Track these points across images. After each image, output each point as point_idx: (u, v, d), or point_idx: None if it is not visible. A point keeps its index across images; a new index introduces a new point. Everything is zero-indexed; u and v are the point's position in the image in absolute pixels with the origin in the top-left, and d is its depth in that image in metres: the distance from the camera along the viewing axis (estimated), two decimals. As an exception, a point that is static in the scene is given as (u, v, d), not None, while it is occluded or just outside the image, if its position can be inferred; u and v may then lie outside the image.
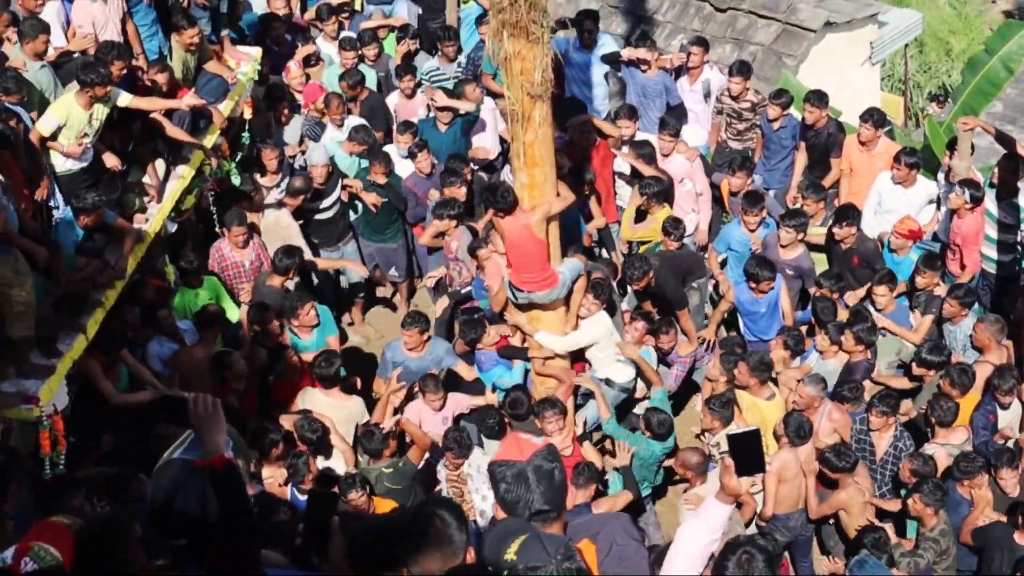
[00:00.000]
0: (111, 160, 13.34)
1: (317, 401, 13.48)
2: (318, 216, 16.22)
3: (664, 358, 14.63)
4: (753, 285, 14.68)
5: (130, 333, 13.46)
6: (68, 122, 12.68)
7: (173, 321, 14.02)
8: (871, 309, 14.30)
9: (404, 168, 16.47)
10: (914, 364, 13.64)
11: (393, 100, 17.66)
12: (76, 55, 13.50)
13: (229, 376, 13.47)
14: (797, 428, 12.61)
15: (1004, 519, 11.98)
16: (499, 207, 12.92)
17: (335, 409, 13.42)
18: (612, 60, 17.24)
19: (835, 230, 15.00)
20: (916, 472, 12.35)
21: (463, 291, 15.33)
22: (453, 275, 15.44)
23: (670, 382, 14.57)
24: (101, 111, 12.95)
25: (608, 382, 13.86)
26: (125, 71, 13.39)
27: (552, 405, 12.75)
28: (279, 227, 15.69)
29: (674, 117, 16.69)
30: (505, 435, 12.54)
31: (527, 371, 13.93)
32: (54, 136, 12.64)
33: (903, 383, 13.88)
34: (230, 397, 13.06)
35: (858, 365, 13.76)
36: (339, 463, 13.06)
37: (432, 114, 17.04)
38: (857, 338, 13.62)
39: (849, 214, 14.97)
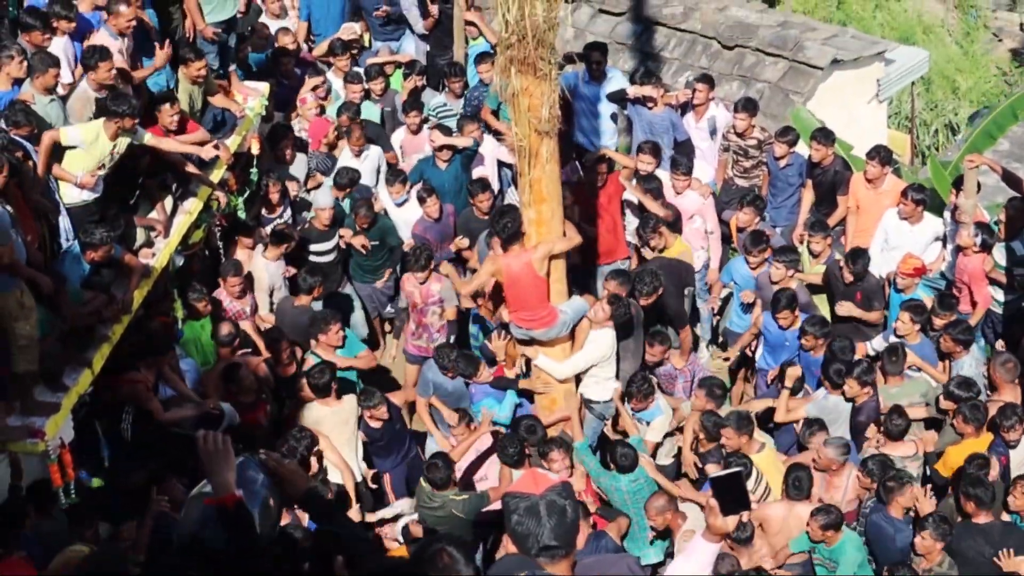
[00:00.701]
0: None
1: (315, 414, 13.70)
2: (318, 259, 16.14)
3: (653, 369, 14.67)
4: (778, 316, 14.70)
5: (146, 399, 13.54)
6: (92, 147, 12.72)
7: (176, 362, 14.01)
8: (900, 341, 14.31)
9: (397, 214, 16.59)
10: (941, 398, 13.52)
11: (399, 136, 17.68)
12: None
13: (236, 390, 13.66)
14: (795, 481, 12.44)
15: None
16: (501, 235, 12.96)
17: (330, 416, 13.68)
18: (618, 99, 17.27)
19: (841, 268, 14.93)
20: (871, 472, 12.46)
21: (437, 336, 15.51)
22: (430, 321, 15.57)
23: (679, 394, 14.59)
24: (122, 144, 13.00)
25: (587, 402, 13.91)
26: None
27: (558, 445, 12.74)
28: (253, 272, 15.66)
29: (682, 153, 16.76)
30: (523, 463, 12.78)
31: (517, 404, 13.88)
32: (64, 156, 12.69)
33: (920, 412, 13.76)
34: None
35: (864, 406, 13.64)
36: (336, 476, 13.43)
37: (432, 152, 17.06)
38: (861, 382, 13.52)
39: (855, 255, 14.89)
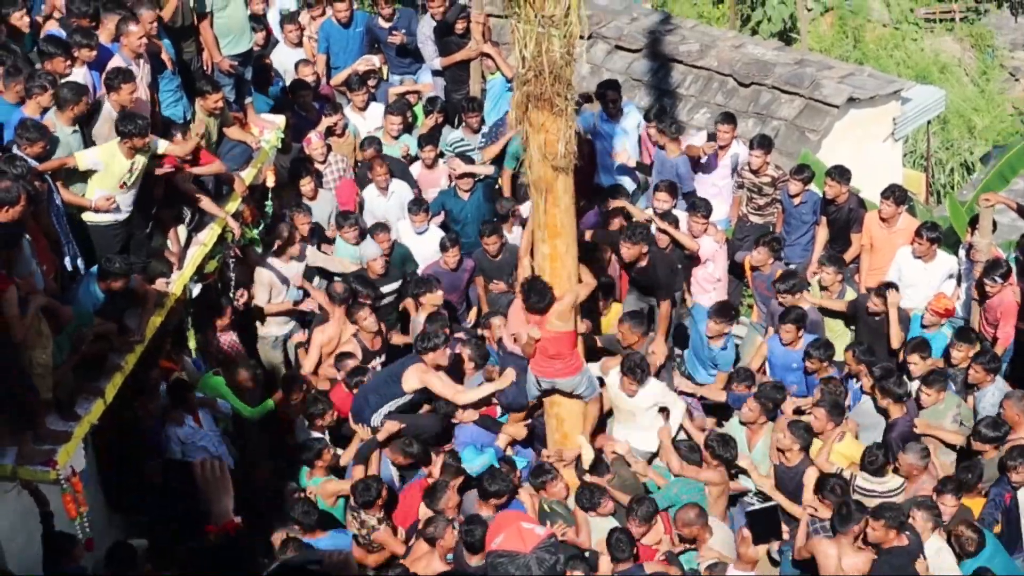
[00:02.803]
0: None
1: None
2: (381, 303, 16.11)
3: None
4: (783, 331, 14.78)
5: (149, 421, 13.65)
6: (109, 167, 12.80)
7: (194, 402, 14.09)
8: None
9: (417, 244, 16.59)
10: (971, 439, 13.41)
11: (416, 169, 17.71)
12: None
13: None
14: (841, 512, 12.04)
15: None
16: (534, 310, 12.96)
17: None
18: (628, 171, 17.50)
19: (870, 303, 14.94)
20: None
21: None
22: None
23: (699, 416, 14.62)
24: (141, 162, 13.07)
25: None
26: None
27: (547, 472, 13.01)
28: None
29: (685, 203, 16.81)
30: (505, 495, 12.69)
31: (500, 457, 13.78)
32: (85, 178, 12.81)
33: (956, 438, 13.68)
34: None
35: (897, 423, 13.62)
36: None
37: (454, 183, 17.09)
38: (883, 391, 13.54)
39: (885, 290, 14.88)
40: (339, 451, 14.01)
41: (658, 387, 13.85)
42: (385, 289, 16.04)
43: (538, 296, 12.83)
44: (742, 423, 14.01)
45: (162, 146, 13.51)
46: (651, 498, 12.75)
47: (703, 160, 17.20)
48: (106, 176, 12.85)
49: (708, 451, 13.27)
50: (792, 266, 16.35)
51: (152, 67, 14.16)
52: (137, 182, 13.17)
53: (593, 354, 14.27)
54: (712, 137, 17.29)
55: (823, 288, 15.57)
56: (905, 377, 14.01)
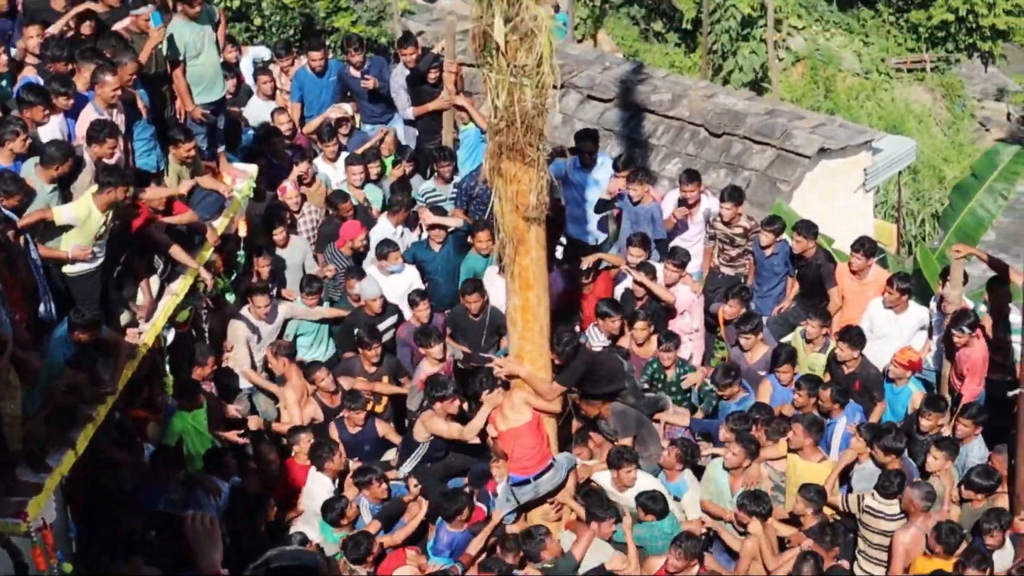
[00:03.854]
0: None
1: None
2: None
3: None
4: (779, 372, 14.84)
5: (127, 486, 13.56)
6: (86, 223, 12.77)
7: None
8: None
9: (388, 284, 16.46)
10: (962, 488, 13.42)
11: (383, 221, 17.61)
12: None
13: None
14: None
15: None
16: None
17: None
18: (603, 206, 17.38)
19: (838, 351, 14.94)
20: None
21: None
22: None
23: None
24: (112, 213, 13.04)
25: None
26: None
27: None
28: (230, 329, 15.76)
29: (660, 251, 16.86)
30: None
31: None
32: (61, 232, 12.76)
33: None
34: None
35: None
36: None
37: (425, 234, 17.06)
38: (885, 449, 13.46)
39: (854, 336, 14.87)
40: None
41: (648, 479, 13.88)
42: (382, 327, 16.00)
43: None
44: (725, 468, 13.99)
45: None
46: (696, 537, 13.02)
47: (677, 225, 17.26)
48: (82, 232, 12.82)
49: (741, 509, 13.29)
50: (764, 318, 16.37)
51: (127, 116, 14.13)
52: (108, 233, 13.16)
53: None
54: (683, 202, 17.26)
55: (808, 341, 15.58)
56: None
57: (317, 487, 14.12)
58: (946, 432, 14.10)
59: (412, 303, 15.91)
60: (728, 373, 14.90)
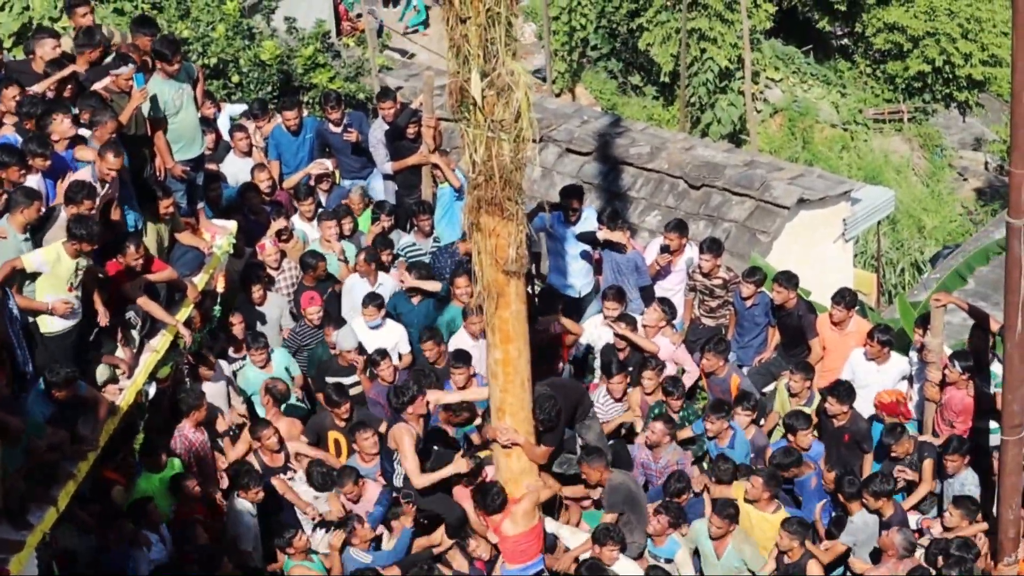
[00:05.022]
0: (103, 318, 13.50)
1: None
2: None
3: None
4: (791, 437, 14.83)
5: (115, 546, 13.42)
6: (56, 267, 12.74)
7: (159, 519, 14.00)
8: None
9: (371, 338, 16.41)
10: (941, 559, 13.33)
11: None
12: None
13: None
14: None
15: None
16: (490, 511, 13.34)
17: None
18: (589, 240, 17.29)
19: (827, 405, 14.94)
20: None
21: None
22: None
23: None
24: (83, 263, 12.99)
25: None
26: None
27: None
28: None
29: (646, 299, 16.88)
30: None
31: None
32: (33, 278, 12.73)
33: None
34: None
35: (892, 519, 13.60)
36: None
37: (403, 288, 17.04)
38: (875, 495, 13.54)
39: (843, 391, 14.88)
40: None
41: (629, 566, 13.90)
42: (347, 381, 15.98)
43: (491, 497, 13.30)
44: (711, 537, 13.99)
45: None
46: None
47: (660, 271, 17.26)
48: (52, 278, 12.78)
49: None
50: (744, 369, 16.38)
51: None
52: (80, 285, 13.12)
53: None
54: (665, 248, 17.27)
55: (792, 395, 15.58)
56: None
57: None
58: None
59: (373, 363, 15.78)
60: (719, 408, 14.98)
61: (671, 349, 16.31)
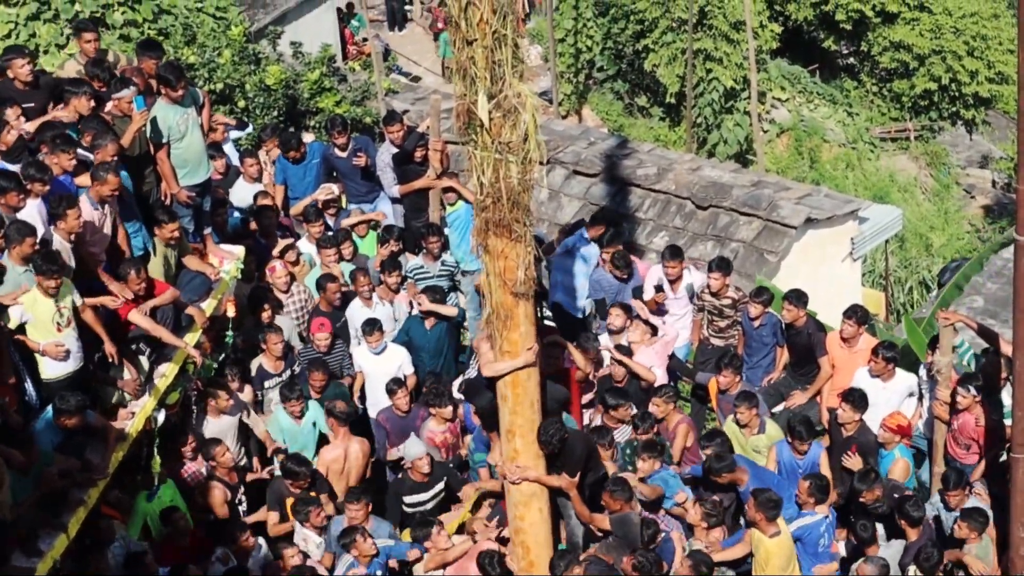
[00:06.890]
0: (110, 347, 13.48)
1: None
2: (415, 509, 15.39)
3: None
4: (795, 443, 14.72)
5: None
6: (36, 315, 12.70)
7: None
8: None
9: (374, 364, 16.45)
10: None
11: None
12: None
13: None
14: None
15: None
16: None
17: None
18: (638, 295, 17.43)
19: (840, 412, 14.96)
20: None
21: None
22: None
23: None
24: (65, 299, 12.90)
25: None
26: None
27: None
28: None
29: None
30: None
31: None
32: (22, 330, 12.69)
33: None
34: None
35: (912, 545, 13.62)
36: None
37: (417, 310, 17.03)
38: (908, 519, 13.58)
39: (857, 398, 14.87)
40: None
41: None
42: (425, 496, 15.54)
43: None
44: None
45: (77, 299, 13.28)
46: None
47: (658, 309, 17.25)
48: (37, 323, 12.77)
49: None
50: (755, 388, 16.34)
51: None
52: (71, 320, 13.06)
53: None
54: (659, 288, 17.24)
55: (742, 426, 15.32)
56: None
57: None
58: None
59: (390, 392, 15.77)
60: (651, 447, 14.66)
61: (655, 361, 16.33)
